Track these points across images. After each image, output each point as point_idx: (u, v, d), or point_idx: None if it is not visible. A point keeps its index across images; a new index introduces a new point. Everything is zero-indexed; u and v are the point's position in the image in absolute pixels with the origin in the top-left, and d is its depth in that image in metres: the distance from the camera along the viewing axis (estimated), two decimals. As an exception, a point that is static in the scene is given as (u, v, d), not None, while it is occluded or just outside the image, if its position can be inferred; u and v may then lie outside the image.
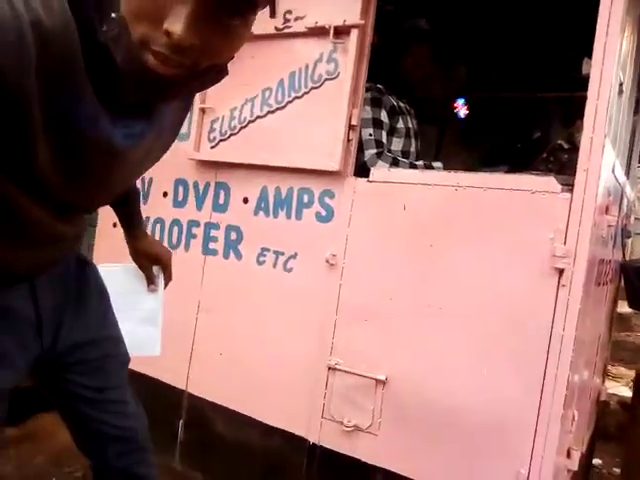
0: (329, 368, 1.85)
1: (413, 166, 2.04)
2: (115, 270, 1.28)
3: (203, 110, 2.16)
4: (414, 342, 1.71)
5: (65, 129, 0.73)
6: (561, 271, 1.51)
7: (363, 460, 1.77)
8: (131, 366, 1.21)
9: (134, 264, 1.30)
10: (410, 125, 2.18)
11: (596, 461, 2.90)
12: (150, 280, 1.32)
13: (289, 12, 1.94)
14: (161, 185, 2.34)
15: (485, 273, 1.62)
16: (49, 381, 1.11)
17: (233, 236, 2.10)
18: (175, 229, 2.29)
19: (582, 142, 1.53)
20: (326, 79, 1.88)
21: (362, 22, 1.79)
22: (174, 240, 2.29)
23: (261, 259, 2.03)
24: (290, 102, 1.95)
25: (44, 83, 0.67)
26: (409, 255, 1.75)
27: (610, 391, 3.92)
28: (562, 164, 1.82)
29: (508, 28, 2.72)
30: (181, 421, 2.22)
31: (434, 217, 1.72)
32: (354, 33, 1.80)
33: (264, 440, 2.00)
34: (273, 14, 0.75)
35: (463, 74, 2.80)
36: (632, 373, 4.79)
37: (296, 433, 1.91)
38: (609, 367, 4.76)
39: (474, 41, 2.79)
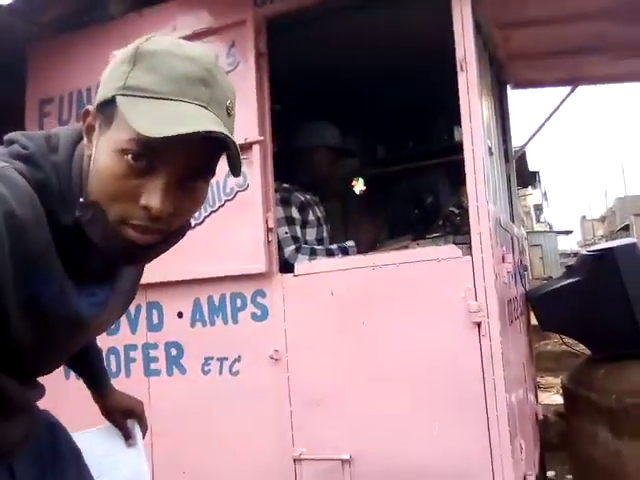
0: (294, 460, 1.92)
1: (330, 251, 2.21)
2: (91, 435, 1.25)
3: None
4: (368, 416, 1.84)
5: (36, 307, 0.78)
6: (479, 324, 1.71)
7: (346, 541, 1.83)
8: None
9: (108, 423, 1.28)
10: (319, 214, 2.37)
11: (550, 473, 3.10)
12: (127, 435, 1.28)
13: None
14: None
15: (415, 339, 1.80)
16: None
17: (173, 352, 2.15)
18: (112, 357, 2.29)
19: (470, 210, 1.78)
20: (237, 191, 2.04)
21: (262, 138, 1.99)
22: (113, 368, 2.28)
23: (206, 368, 2.09)
24: (208, 216, 2.09)
25: (16, 268, 0.73)
26: (345, 335, 1.90)
27: (545, 402, 4.22)
28: (457, 227, 2.08)
29: (385, 107, 3.06)
30: None
31: (359, 297, 1.89)
32: (256, 148, 1.99)
33: None
34: (238, 172, 0.78)
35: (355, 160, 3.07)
36: (558, 381, 5.16)
37: (276, 532, 1.94)
38: (538, 379, 5.11)
39: (359, 122, 3.11)
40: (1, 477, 0.95)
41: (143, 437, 1.30)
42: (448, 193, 2.76)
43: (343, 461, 1.86)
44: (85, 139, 0.80)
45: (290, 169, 2.35)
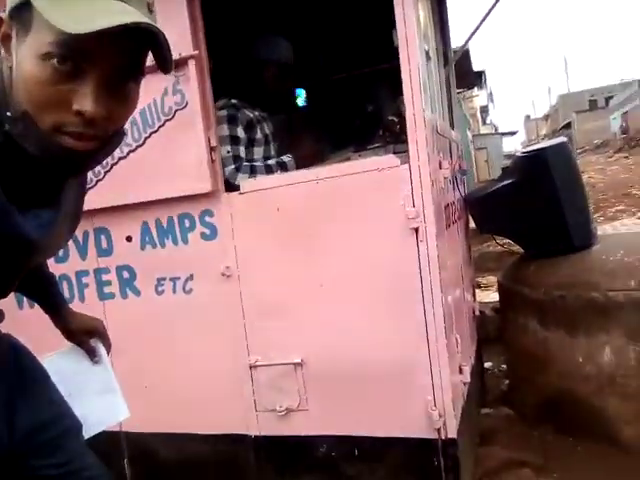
0: (250, 367, 2.05)
1: (269, 168, 2.22)
2: (56, 357, 1.30)
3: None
4: (317, 322, 1.96)
5: None
6: (416, 229, 1.81)
7: (303, 434, 2.01)
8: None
9: (70, 344, 1.33)
10: (267, 131, 2.35)
11: (487, 364, 3.40)
12: (92, 354, 1.34)
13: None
14: (36, 244, 2.33)
15: (358, 246, 1.89)
16: (9, 474, 1.12)
17: (126, 275, 2.19)
18: (64, 283, 2.31)
19: (407, 119, 1.82)
20: (176, 110, 2.01)
21: (196, 52, 1.93)
22: (66, 294, 2.31)
23: (160, 289, 2.14)
24: (148, 137, 2.06)
25: None
26: (292, 249, 1.97)
27: (484, 300, 4.53)
28: (397, 135, 2.12)
29: (323, 15, 2.98)
30: (125, 460, 2.31)
31: (305, 211, 1.95)
32: (191, 63, 1.94)
33: (210, 450, 2.15)
34: (169, 66, 0.77)
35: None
36: (499, 279, 5.50)
37: (237, 432, 2.10)
38: (479, 279, 5.42)
39: (298, 32, 3.02)
40: None
41: (108, 353, 1.36)
42: (389, 101, 2.78)
43: (295, 364, 1.99)
44: (2, 51, 0.77)
45: (237, 83, 2.30)
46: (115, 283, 2.21)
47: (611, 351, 2.22)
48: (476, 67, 8.82)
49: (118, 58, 0.73)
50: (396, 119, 2.16)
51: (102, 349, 1.36)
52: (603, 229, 2.71)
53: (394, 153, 2.05)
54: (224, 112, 2.17)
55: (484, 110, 35.43)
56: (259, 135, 2.29)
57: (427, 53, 2.29)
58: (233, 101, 2.23)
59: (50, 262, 2.30)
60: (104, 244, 2.22)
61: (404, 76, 1.81)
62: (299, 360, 1.98)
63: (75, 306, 2.25)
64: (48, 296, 1.32)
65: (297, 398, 2.00)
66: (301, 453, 2.04)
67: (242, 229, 2.01)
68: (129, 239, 2.16)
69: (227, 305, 2.05)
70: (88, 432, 1.25)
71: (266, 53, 2.35)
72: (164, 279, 2.13)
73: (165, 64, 0.76)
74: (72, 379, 1.27)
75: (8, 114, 0.74)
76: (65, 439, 1.16)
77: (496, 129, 39.07)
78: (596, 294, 2.22)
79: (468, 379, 2.06)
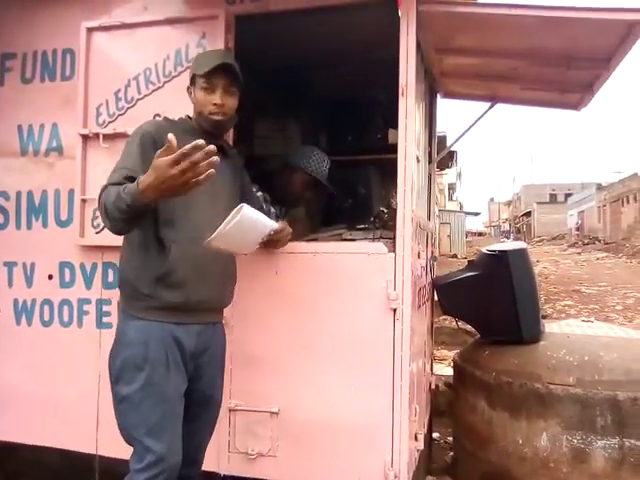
0: (229, 409, 2.26)
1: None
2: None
3: (84, 200, 2.43)
4: (296, 377, 2.21)
5: None
6: (394, 310, 2.11)
7: (269, 479, 2.21)
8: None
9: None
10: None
11: (435, 435, 3.66)
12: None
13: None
14: (45, 268, 2.53)
15: (342, 316, 2.18)
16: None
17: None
18: (65, 308, 2.50)
19: (397, 216, 2.14)
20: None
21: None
22: (65, 318, 2.50)
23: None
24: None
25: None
26: (283, 308, 2.24)
27: (438, 373, 4.81)
28: (385, 223, 2.44)
29: (329, 100, 3.36)
30: (93, 481, 2.45)
31: (300, 278, 2.22)
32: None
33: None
34: (240, 83, 1.93)
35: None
36: (452, 354, 5.80)
37: (208, 469, 2.27)
38: (434, 352, 5.71)
39: (303, 111, 3.40)
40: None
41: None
42: (378, 187, 3.13)
43: (271, 413, 2.22)
44: (190, 95, 1.95)
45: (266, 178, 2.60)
46: (115, 315, 2.39)
47: (547, 437, 2.51)
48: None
49: (225, 79, 1.87)
50: (385, 210, 2.49)
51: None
52: (550, 327, 3.05)
53: (380, 238, 2.37)
54: None
55: (451, 187, 36.98)
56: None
57: (417, 157, 2.66)
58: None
59: (55, 285, 2.51)
60: (110, 277, 2.44)
61: (399, 181, 2.16)
62: (276, 409, 2.21)
63: (71, 330, 2.47)
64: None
65: (269, 444, 2.22)
66: (266, 496, 2.24)
67: (241, 283, 2.24)
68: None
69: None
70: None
71: (299, 160, 2.66)
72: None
73: (239, 81, 1.91)
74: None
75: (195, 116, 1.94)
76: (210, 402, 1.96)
77: (461, 206, 40.65)
78: (539, 385, 2.53)
79: (422, 447, 2.32)
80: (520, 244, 2.99)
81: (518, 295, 2.76)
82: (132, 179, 1.54)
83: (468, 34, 2.57)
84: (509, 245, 3.10)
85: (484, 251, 3.01)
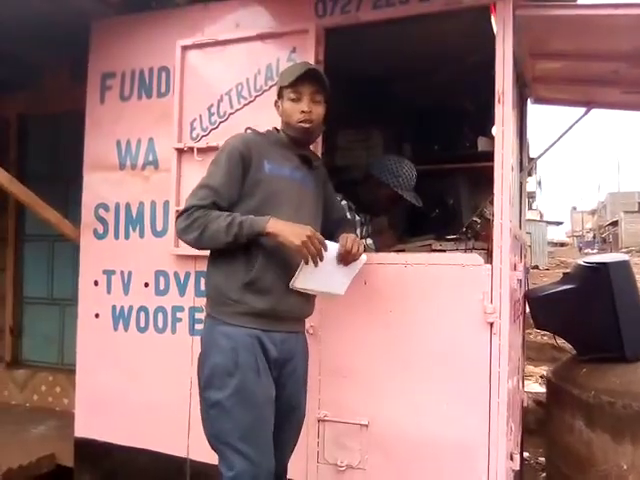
0: (318, 420, 2.26)
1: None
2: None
3: (178, 211, 2.50)
4: (387, 390, 2.17)
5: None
6: (492, 324, 2.03)
7: (358, 492, 2.19)
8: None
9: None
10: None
11: (525, 454, 3.49)
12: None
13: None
14: (142, 277, 2.64)
15: (435, 329, 2.12)
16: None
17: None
18: (160, 315, 2.60)
19: (494, 226, 2.07)
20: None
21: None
22: (160, 324, 2.60)
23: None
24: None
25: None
26: (374, 320, 2.21)
27: (525, 390, 4.61)
28: (477, 234, 2.37)
29: (415, 109, 3.31)
30: (185, 485, 2.51)
31: (390, 289, 2.19)
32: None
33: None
34: (327, 90, 1.93)
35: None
36: (539, 370, 5.55)
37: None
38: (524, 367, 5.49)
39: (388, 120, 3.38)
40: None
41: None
42: (467, 196, 3.05)
43: (361, 425, 2.19)
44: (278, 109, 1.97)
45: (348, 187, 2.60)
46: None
47: (655, 464, 2.33)
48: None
49: (311, 87, 1.88)
50: (478, 220, 2.42)
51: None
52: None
53: (472, 249, 2.30)
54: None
55: (531, 195, 35.56)
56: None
57: (511, 166, 2.57)
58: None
59: (150, 293, 2.61)
60: (202, 286, 2.49)
61: (496, 190, 2.09)
62: (366, 422, 2.18)
63: (165, 337, 2.55)
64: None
65: (358, 456, 2.19)
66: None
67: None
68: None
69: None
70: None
71: (387, 175, 2.62)
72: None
73: (325, 87, 1.91)
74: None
75: (279, 129, 1.99)
76: (292, 417, 1.93)
77: (542, 215, 39.04)
78: (645, 406, 2.36)
79: (517, 467, 2.21)
80: (622, 256, 2.82)
81: (620, 310, 2.60)
82: (217, 205, 1.76)
83: (565, 37, 2.46)
84: (609, 257, 2.93)
85: (582, 263, 2.86)
